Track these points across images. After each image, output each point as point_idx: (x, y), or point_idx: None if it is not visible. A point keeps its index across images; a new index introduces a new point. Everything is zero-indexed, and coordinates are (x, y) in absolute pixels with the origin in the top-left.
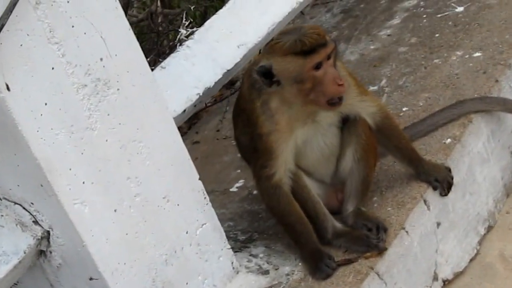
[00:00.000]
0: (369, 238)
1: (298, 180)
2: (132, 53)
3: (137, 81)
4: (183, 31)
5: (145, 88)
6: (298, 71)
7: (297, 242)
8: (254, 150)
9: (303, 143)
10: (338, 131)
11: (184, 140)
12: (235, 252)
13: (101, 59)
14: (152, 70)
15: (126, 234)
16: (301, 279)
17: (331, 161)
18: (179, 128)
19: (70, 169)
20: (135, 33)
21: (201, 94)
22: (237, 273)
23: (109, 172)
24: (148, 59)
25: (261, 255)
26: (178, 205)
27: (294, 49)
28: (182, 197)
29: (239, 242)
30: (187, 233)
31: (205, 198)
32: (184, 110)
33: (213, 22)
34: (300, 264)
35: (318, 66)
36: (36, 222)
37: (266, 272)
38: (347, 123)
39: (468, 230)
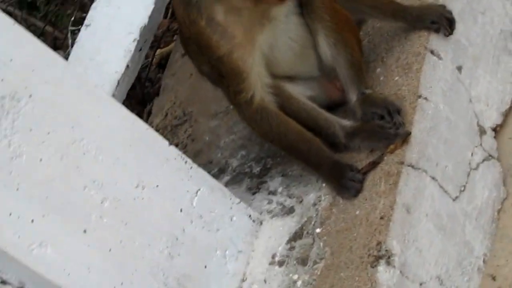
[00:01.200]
0: (385, 129)
1: (281, 93)
2: (29, 49)
3: (49, 76)
4: None
5: (62, 78)
6: None
7: (310, 164)
8: (220, 77)
9: (270, 48)
10: (300, 19)
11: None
12: (252, 193)
13: None
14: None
15: (110, 249)
16: (331, 204)
17: (308, 54)
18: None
19: (10, 214)
20: None
21: (138, 38)
22: (260, 224)
23: (59, 193)
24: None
25: (279, 190)
26: (157, 186)
27: None
28: (158, 176)
29: (255, 178)
30: (181, 211)
31: (185, 162)
32: (128, 66)
33: None
34: (324, 185)
35: None
36: (4, 282)
37: (291, 210)
38: (305, 8)
39: (498, 54)
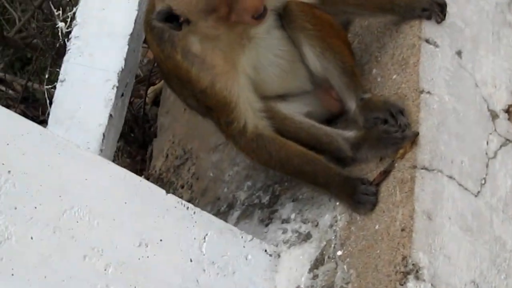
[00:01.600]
0: (390, 133)
1: (275, 115)
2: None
3: (26, 147)
4: (61, 25)
5: (41, 146)
6: (203, 3)
7: (319, 184)
8: (208, 110)
9: (254, 69)
10: (283, 32)
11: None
12: (265, 225)
13: None
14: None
15: None
16: (348, 222)
17: (297, 68)
18: None
19: None
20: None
21: (117, 84)
22: (278, 256)
23: (58, 269)
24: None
25: (292, 216)
26: (160, 240)
27: None
28: (160, 229)
29: (266, 208)
30: (191, 261)
31: (187, 208)
32: (111, 115)
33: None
34: (338, 204)
35: None
36: None
37: (308, 236)
38: (284, 19)
39: (497, 30)
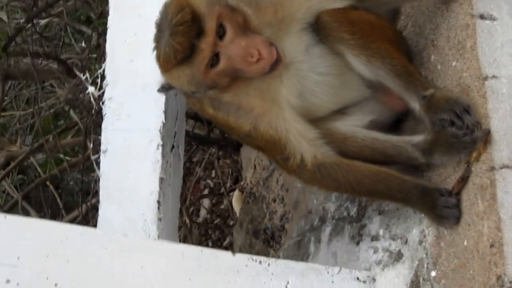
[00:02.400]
0: (459, 137)
1: (334, 137)
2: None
3: (66, 252)
4: (91, 89)
5: (79, 246)
6: (197, 81)
7: (397, 200)
8: (260, 149)
9: (300, 96)
10: (321, 47)
11: None
12: (356, 243)
13: None
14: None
15: None
16: (437, 237)
17: (347, 79)
18: None
19: None
20: None
21: (161, 142)
22: (373, 281)
23: None
24: None
25: (381, 232)
26: None
27: (170, 61)
28: None
29: (355, 223)
30: None
31: (260, 262)
32: (162, 178)
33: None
34: (423, 215)
35: (213, 63)
36: None
37: (399, 256)
38: (319, 33)
39: None
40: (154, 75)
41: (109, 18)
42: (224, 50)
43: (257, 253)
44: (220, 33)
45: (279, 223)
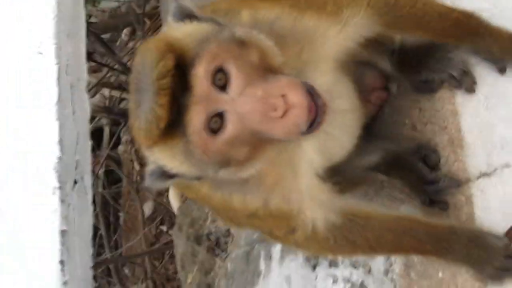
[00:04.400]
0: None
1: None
2: None
3: None
4: None
5: None
6: (198, 159)
7: (430, 252)
8: (259, 229)
9: (324, 152)
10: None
11: None
12: (313, 267)
13: None
14: None
15: None
16: (406, 266)
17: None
18: None
19: None
20: None
21: None
22: None
23: None
24: None
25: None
26: None
27: (151, 133)
28: None
29: None
30: None
31: None
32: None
33: None
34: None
35: (215, 128)
36: None
37: None
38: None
39: None
40: None
41: None
42: (230, 106)
43: (202, 263)
44: (221, 82)
45: (223, 226)
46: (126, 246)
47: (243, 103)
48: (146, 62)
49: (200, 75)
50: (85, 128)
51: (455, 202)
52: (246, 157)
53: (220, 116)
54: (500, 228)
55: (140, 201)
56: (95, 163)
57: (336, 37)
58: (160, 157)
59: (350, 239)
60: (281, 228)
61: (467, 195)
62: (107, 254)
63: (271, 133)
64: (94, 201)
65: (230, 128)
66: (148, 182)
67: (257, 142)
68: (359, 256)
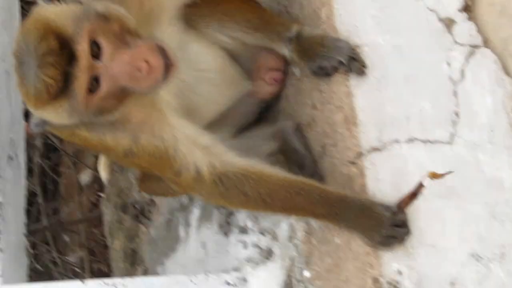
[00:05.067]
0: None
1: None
2: None
3: None
4: None
5: None
6: (79, 112)
7: (322, 216)
8: (145, 168)
9: (181, 95)
10: (201, 42)
11: None
12: (225, 233)
13: None
14: None
15: None
16: (307, 233)
17: (228, 74)
18: None
19: None
20: None
21: None
22: (244, 281)
23: None
24: None
25: (250, 225)
26: None
27: (42, 98)
28: None
29: (222, 209)
30: None
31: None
32: None
33: None
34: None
35: (93, 88)
36: None
37: (269, 253)
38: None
39: None
40: None
41: None
42: (104, 71)
43: (128, 230)
44: (95, 53)
45: (148, 195)
46: (64, 214)
47: (114, 67)
48: (31, 40)
49: (81, 49)
50: (19, 109)
51: (349, 173)
52: (115, 105)
53: (96, 79)
54: (390, 198)
55: (76, 170)
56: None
57: None
58: (46, 115)
59: (241, 190)
60: (166, 168)
61: (360, 168)
62: (44, 222)
63: (136, 88)
64: (31, 171)
65: (104, 87)
66: (33, 129)
67: (124, 95)
68: (254, 210)
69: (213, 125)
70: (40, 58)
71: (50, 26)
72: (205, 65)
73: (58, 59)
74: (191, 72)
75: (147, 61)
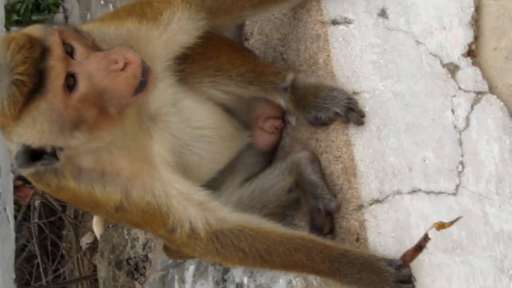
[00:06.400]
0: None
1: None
2: None
3: None
4: None
5: None
6: (59, 116)
7: (322, 272)
8: (137, 225)
9: (176, 151)
10: (192, 98)
11: None
12: None
13: None
14: None
15: None
16: None
17: (226, 130)
18: None
19: None
20: None
21: None
22: None
23: None
24: None
25: (245, 281)
26: None
27: (17, 100)
28: None
29: (218, 265)
30: None
31: None
32: None
33: None
34: None
35: (71, 85)
36: None
37: None
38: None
39: None
40: None
41: None
42: (80, 68)
43: (122, 287)
44: (68, 50)
45: (142, 252)
46: (65, 273)
47: (89, 64)
48: (11, 49)
49: (53, 41)
50: (7, 164)
51: (349, 227)
52: (95, 121)
53: (73, 77)
54: (392, 252)
55: (75, 231)
56: (32, 194)
57: (159, 38)
58: (24, 130)
59: (238, 246)
60: (159, 225)
61: (361, 220)
62: (43, 282)
63: (114, 88)
64: (31, 232)
65: (82, 85)
66: (15, 166)
67: (104, 109)
68: (251, 266)
69: (216, 181)
70: (12, 60)
71: (17, 34)
72: (200, 123)
73: (30, 54)
74: (186, 129)
75: (123, 55)
